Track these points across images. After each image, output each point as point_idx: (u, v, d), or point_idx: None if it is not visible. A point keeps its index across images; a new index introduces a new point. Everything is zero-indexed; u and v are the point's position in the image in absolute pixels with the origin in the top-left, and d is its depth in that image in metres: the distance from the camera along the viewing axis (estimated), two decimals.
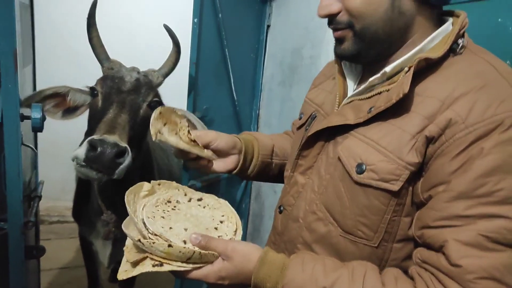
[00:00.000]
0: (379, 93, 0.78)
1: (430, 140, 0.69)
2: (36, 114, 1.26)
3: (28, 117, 1.27)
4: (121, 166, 1.20)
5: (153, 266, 0.74)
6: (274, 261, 0.76)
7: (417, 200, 0.72)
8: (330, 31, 0.85)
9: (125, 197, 0.86)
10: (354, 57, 0.83)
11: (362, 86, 0.82)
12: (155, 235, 0.77)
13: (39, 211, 1.92)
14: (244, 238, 2.57)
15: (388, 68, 0.77)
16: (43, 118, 1.28)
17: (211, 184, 2.10)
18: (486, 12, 1.09)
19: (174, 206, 0.92)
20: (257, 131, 2.42)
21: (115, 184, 1.40)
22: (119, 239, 1.65)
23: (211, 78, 1.97)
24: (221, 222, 0.90)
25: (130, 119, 1.34)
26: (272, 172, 1.18)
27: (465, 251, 0.62)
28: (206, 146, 1.05)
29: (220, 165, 1.08)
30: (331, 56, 1.74)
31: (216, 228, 0.86)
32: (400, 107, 0.73)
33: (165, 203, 0.92)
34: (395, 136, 0.73)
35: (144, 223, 0.80)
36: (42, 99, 1.46)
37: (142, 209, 0.86)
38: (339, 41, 0.82)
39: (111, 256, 1.73)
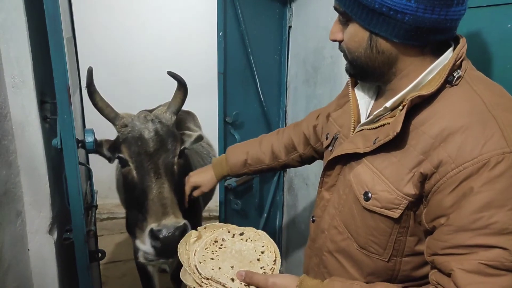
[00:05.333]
0: (383, 125, 0.85)
1: (425, 177, 0.77)
2: (89, 138, 1.44)
3: (82, 141, 1.45)
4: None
5: None
6: (309, 283, 0.88)
7: (424, 228, 0.82)
8: None
9: (177, 250, 1.00)
10: (354, 76, 0.95)
11: (369, 118, 0.91)
12: (207, 278, 0.91)
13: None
14: (280, 229, 2.72)
15: (388, 104, 0.85)
16: (95, 141, 1.46)
17: (246, 181, 2.24)
18: (495, 17, 1.12)
19: (221, 245, 1.04)
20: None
21: None
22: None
23: (238, 84, 2.09)
24: (262, 252, 1.02)
25: (171, 183, 1.39)
26: (255, 173, 1.51)
27: (469, 278, 0.70)
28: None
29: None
30: None
31: (258, 259, 0.99)
32: (399, 140, 0.81)
33: (213, 243, 1.04)
34: (395, 168, 0.82)
35: (197, 269, 0.94)
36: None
37: (194, 255, 1.00)
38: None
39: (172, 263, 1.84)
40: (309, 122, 1.37)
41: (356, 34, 0.83)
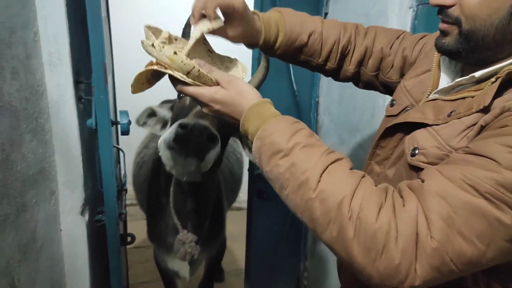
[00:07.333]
0: (463, 98, 0.76)
1: (483, 128, 0.68)
2: (123, 120, 1.41)
3: (116, 123, 1.43)
4: (212, 152, 1.11)
5: (158, 66, 0.79)
6: (271, 108, 0.82)
7: None
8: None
9: (144, 27, 0.81)
10: (453, 54, 0.80)
11: (449, 84, 0.81)
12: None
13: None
14: None
15: (477, 74, 0.74)
16: (129, 123, 1.43)
17: None
18: None
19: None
20: (316, 118, 2.45)
21: (190, 199, 1.47)
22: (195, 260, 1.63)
23: (272, 71, 2.02)
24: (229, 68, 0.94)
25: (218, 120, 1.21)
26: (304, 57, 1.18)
27: (441, 183, 0.62)
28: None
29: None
30: None
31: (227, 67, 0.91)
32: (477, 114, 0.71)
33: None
34: (454, 127, 0.73)
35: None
36: (146, 117, 1.56)
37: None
38: (443, 33, 0.79)
39: (192, 270, 1.79)
40: (380, 40, 1.14)
41: None
